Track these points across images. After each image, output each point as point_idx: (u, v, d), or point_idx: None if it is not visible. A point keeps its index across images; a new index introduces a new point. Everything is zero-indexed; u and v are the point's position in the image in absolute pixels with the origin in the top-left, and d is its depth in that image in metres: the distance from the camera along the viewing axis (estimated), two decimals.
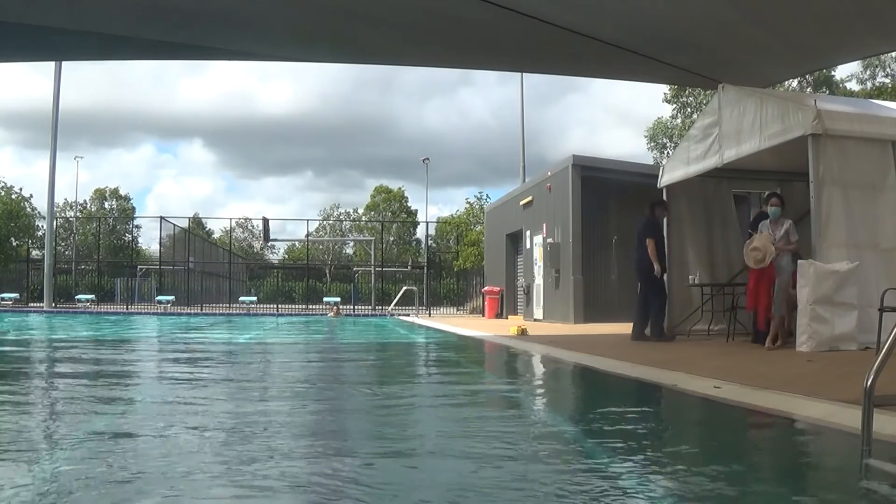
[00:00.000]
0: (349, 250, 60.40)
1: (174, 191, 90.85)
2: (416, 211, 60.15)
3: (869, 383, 2.67)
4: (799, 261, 7.11)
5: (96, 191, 59.88)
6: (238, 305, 30.94)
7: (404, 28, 9.08)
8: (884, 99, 22.18)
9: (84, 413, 4.13)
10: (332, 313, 24.72)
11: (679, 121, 37.95)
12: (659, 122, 39.62)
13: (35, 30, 8.93)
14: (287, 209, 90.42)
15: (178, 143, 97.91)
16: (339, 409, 4.50)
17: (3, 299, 27.85)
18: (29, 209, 32.34)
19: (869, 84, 32.97)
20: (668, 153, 34.69)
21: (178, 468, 2.67)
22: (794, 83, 31.17)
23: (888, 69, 33.31)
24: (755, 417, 3.94)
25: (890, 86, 31.11)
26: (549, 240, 17.18)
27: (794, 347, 6.96)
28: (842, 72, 34.57)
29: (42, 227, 33.69)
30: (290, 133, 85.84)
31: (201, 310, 27.55)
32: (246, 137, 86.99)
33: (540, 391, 5.91)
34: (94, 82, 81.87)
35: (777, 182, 10.57)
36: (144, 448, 3.07)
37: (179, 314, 24.58)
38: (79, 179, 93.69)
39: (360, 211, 61.74)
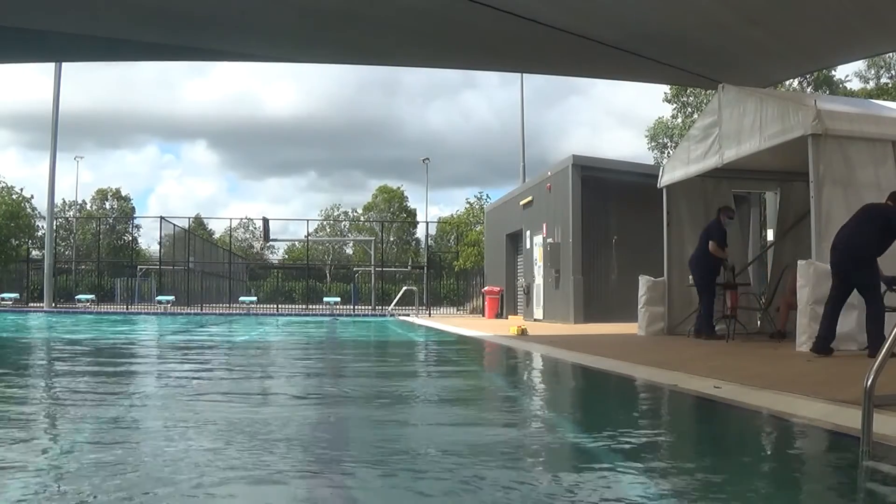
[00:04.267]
0: (349, 250, 60.41)
1: (177, 191, 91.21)
2: (416, 211, 60.25)
3: (869, 383, 2.67)
4: (799, 261, 7.11)
5: (98, 191, 60.01)
6: (238, 305, 30.94)
7: (406, 30, 9.09)
8: (886, 100, 22.17)
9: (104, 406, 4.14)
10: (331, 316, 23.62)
11: (679, 120, 37.94)
12: (659, 122, 39.60)
13: (36, 32, 8.94)
14: (289, 209, 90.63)
15: (182, 143, 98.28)
16: (342, 410, 4.50)
17: (3, 299, 27.85)
18: (29, 209, 32.34)
19: (872, 83, 32.92)
20: (668, 153, 34.68)
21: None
22: (795, 83, 31.15)
23: (893, 70, 33.25)
24: (755, 417, 3.93)
25: (890, 86, 31.07)
26: (549, 240, 17.17)
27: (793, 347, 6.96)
28: (843, 70, 34.56)
29: (42, 227, 33.68)
30: (293, 134, 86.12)
31: (201, 310, 27.54)
32: (249, 138, 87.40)
33: (540, 391, 5.91)
34: (99, 84, 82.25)
35: (777, 182, 10.57)
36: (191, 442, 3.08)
37: (179, 314, 24.58)
38: (84, 180, 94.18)
39: (360, 211, 61.86)
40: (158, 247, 34.83)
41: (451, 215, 55.68)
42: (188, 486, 2.42)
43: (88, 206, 58.50)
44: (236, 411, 4.22)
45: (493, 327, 14.93)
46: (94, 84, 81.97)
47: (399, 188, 59.79)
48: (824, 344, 6.23)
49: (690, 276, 10.08)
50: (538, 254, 18.41)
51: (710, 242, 9.17)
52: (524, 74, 26.99)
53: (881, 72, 33.47)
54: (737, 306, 9.15)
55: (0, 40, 9.36)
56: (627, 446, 3.23)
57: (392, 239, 57.08)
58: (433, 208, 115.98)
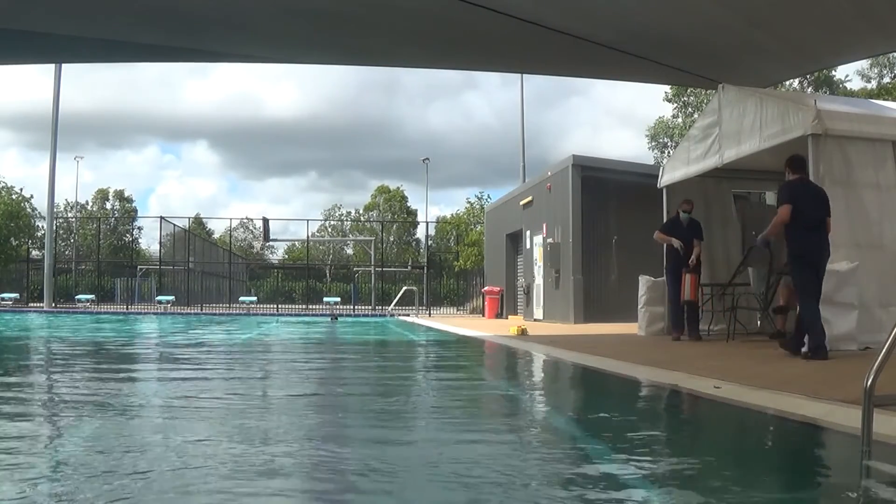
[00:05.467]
0: (349, 250, 60.41)
1: (178, 191, 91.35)
2: (416, 211, 60.25)
3: (869, 383, 2.67)
4: None
5: (98, 191, 60.05)
6: (238, 305, 30.95)
7: (405, 31, 9.10)
8: (887, 99, 22.17)
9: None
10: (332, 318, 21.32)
11: (680, 120, 37.97)
12: (660, 122, 39.63)
13: (37, 34, 8.95)
14: (290, 209, 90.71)
15: (183, 144, 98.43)
16: (343, 410, 4.51)
17: (3, 299, 27.85)
18: (29, 209, 32.35)
19: (874, 83, 32.88)
20: (668, 153, 34.69)
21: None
22: (795, 83, 31.16)
23: None
24: (755, 417, 3.94)
25: (891, 86, 31.05)
26: (549, 240, 17.17)
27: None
28: (844, 70, 34.54)
29: (42, 227, 33.70)
30: (294, 135, 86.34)
31: (201, 310, 27.55)
32: (250, 139, 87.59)
33: (540, 391, 5.91)
34: (100, 85, 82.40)
35: (777, 182, 10.55)
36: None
37: (179, 314, 24.58)
38: (85, 180, 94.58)
39: (361, 211, 61.86)
40: (159, 247, 34.88)
41: (452, 215, 55.74)
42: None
43: (90, 207, 58.50)
44: (235, 415, 4.22)
45: (493, 327, 14.94)
46: (95, 84, 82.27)
47: (398, 188, 59.83)
48: (824, 348, 6.05)
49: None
50: (538, 254, 18.41)
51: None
52: (524, 75, 27.03)
53: (884, 71, 33.45)
54: (694, 292, 9.13)
55: (1, 41, 9.37)
56: (628, 446, 3.23)
57: (392, 239, 57.08)
58: (433, 208, 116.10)
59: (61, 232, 52.39)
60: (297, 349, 10.14)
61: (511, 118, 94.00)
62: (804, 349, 6.27)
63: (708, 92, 23.11)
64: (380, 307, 30.32)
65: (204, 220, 57.58)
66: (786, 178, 6.53)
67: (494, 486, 2.49)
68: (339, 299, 30.87)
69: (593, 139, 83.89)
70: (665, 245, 9.64)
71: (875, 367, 2.69)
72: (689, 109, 37.14)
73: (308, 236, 41.55)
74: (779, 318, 8.81)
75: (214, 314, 25.25)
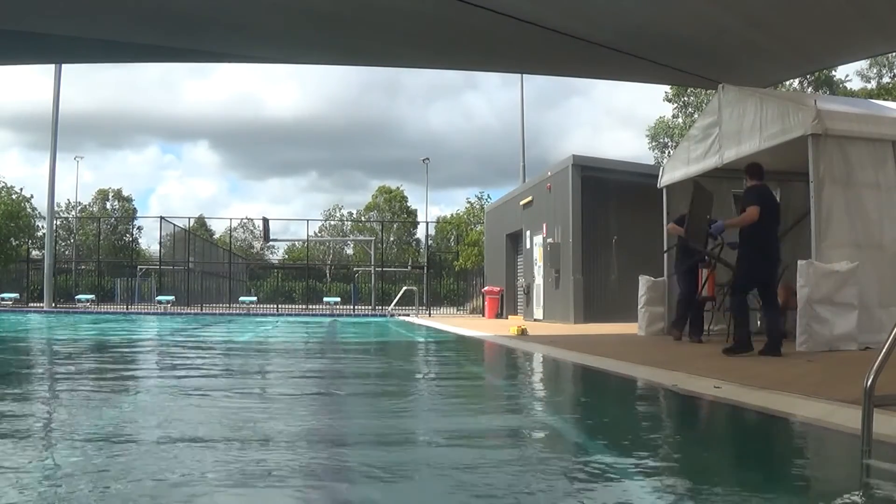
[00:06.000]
0: (349, 250, 60.43)
1: (179, 191, 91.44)
2: (416, 211, 60.29)
3: (869, 383, 2.67)
4: (799, 261, 7.10)
5: (99, 191, 60.11)
6: (238, 305, 30.95)
7: (406, 32, 9.10)
8: (887, 99, 22.18)
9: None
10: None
11: (680, 120, 37.98)
12: (660, 122, 39.64)
13: (37, 34, 8.96)
14: (290, 209, 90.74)
15: (184, 144, 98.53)
16: (340, 410, 4.51)
17: (3, 299, 27.84)
18: (29, 209, 32.34)
19: (874, 83, 32.91)
20: (669, 153, 34.70)
21: None
22: (795, 83, 31.17)
23: (895, 70, 33.25)
24: (755, 417, 3.94)
25: (891, 85, 31.07)
26: (549, 240, 17.18)
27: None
28: (843, 70, 34.57)
29: (42, 227, 33.68)
30: (294, 135, 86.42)
31: (201, 310, 27.55)
32: (251, 139, 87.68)
33: (541, 391, 5.91)
34: (101, 85, 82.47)
35: (777, 182, 10.56)
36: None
37: (179, 314, 24.57)
38: (85, 180, 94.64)
39: (361, 211, 61.90)
40: (159, 247, 34.89)
41: (452, 215, 55.75)
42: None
43: (90, 207, 58.53)
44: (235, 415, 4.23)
45: (493, 327, 14.94)
46: (95, 84, 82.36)
47: (398, 188, 59.86)
48: (749, 345, 6.62)
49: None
50: (538, 254, 18.41)
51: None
52: (524, 75, 27.05)
53: (883, 71, 33.48)
54: (712, 288, 9.04)
55: (1, 41, 9.37)
56: (628, 446, 3.23)
57: (392, 239, 57.09)
58: (434, 208, 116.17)
59: (61, 232, 52.41)
60: (300, 350, 10.14)
61: (511, 118, 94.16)
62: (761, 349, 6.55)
63: (708, 92, 23.11)
64: (380, 307, 30.30)
65: (207, 220, 57.71)
66: (745, 184, 6.91)
67: (493, 486, 2.49)
68: (339, 299, 30.87)
69: (593, 139, 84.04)
70: (679, 241, 9.52)
71: (875, 367, 2.69)
72: (689, 109, 37.17)
73: (308, 236, 41.59)
74: None
75: (214, 314, 25.26)
